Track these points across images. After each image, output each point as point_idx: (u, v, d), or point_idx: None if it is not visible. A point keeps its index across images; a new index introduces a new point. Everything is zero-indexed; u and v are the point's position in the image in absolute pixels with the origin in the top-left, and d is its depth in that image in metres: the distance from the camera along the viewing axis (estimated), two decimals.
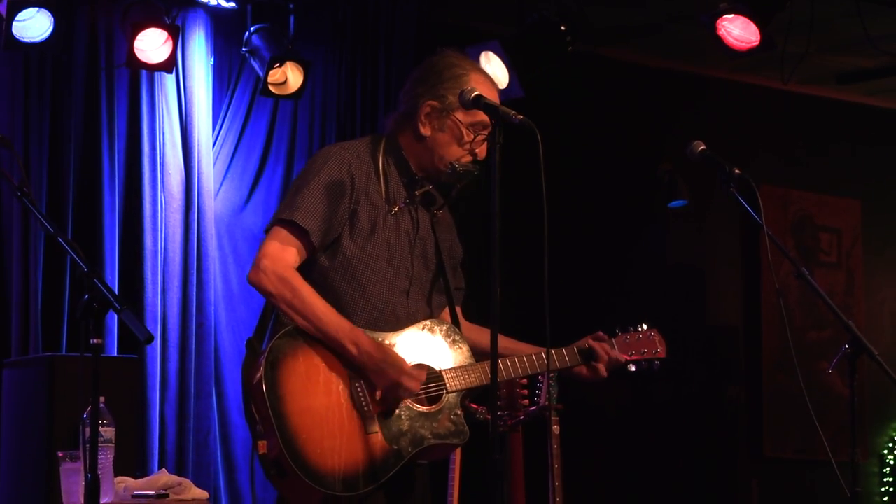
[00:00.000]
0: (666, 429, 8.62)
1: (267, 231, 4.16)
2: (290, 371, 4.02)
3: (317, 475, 3.96)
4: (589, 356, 4.45)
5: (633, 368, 4.56)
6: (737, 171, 4.34)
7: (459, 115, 4.20)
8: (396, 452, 4.07)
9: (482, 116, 4.16)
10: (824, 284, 8.36)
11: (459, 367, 4.20)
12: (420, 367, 4.16)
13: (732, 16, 6.68)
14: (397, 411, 4.10)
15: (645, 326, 4.60)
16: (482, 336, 4.31)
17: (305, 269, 4.14)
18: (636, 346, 4.56)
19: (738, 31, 6.72)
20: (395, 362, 4.07)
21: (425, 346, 4.19)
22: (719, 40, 6.75)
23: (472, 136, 4.22)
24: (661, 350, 4.60)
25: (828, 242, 9.47)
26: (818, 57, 8.09)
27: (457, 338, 4.25)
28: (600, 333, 4.51)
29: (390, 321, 4.18)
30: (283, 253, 4.09)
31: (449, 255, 4.35)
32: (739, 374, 9.15)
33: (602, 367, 4.46)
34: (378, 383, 4.05)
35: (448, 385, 4.17)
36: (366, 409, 4.06)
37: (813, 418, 4.38)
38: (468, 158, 4.24)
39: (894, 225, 9.72)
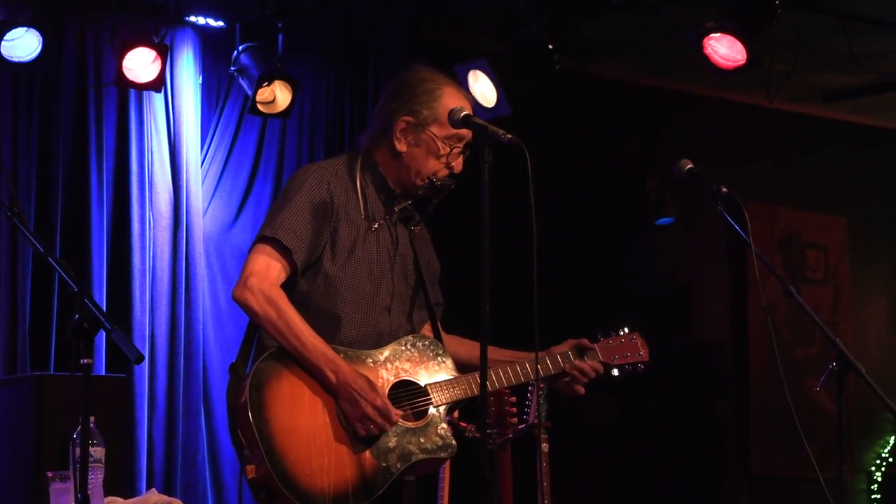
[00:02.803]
0: (654, 445, 8.62)
1: (250, 249, 4.18)
2: (274, 393, 4.03)
3: (306, 496, 3.96)
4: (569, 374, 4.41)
5: (616, 373, 4.51)
6: (724, 189, 4.35)
7: (434, 129, 4.22)
8: (385, 469, 4.07)
9: (458, 129, 4.18)
10: (811, 301, 8.37)
11: (444, 381, 4.21)
12: (404, 383, 4.17)
13: (719, 34, 6.70)
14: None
15: (626, 330, 4.54)
16: (462, 347, 4.33)
17: (286, 290, 4.15)
18: (619, 351, 4.51)
19: (724, 49, 6.74)
20: (371, 397, 4.05)
21: (409, 362, 4.20)
22: (706, 59, 6.77)
23: (448, 150, 4.24)
24: (643, 353, 4.54)
25: (814, 259, 9.49)
26: (804, 75, 8.12)
27: (440, 352, 4.26)
28: (584, 341, 4.47)
29: (373, 338, 4.19)
30: (269, 270, 4.11)
31: (427, 270, 4.37)
32: (727, 390, 9.17)
33: (580, 388, 4.43)
34: (349, 414, 4.05)
35: (434, 399, 4.18)
36: (352, 427, 4.06)
37: (801, 435, 4.38)
38: (445, 172, 4.25)
39: (880, 242, 9.75)
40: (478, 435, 3.91)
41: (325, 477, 3.99)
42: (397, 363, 4.18)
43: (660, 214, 8.53)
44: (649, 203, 8.53)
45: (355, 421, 4.04)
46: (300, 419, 4.02)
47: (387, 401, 4.09)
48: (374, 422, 4.04)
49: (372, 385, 4.08)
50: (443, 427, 4.17)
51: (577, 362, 4.40)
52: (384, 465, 4.07)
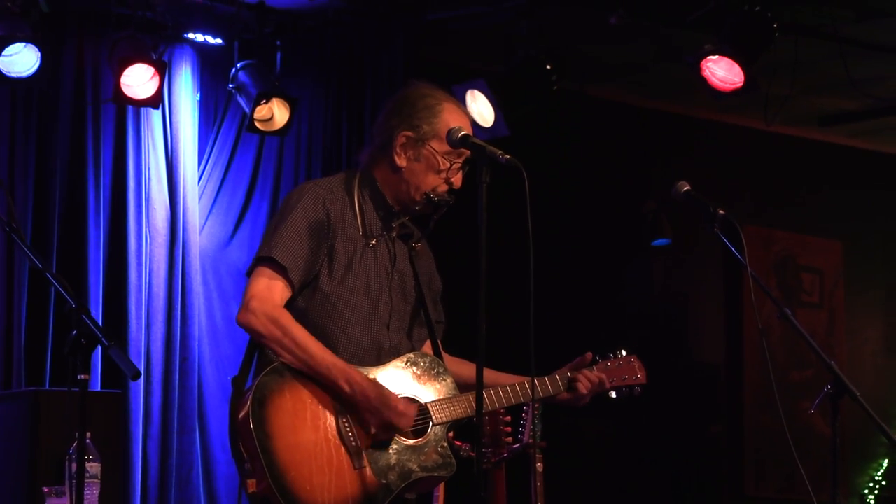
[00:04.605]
0: (648, 466, 8.62)
1: (249, 273, 4.18)
2: (277, 407, 4.03)
3: None
4: (572, 384, 4.44)
5: (613, 395, 4.54)
6: (721, 211, 4.37)
7: (434, 145, 4.23)
8: (385, 487, 4.08)
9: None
10: (806, 325, 8.37)
11: (444, 400, 4.22)
12: (406, 400, 4.17)
13: (717, 57, 6.72)
14: (385, 445, 4.11)
15: (624, 353, 4.58)
16: (463, 368, 4.34)
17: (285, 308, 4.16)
18: (616, 373, 4.53)
19: (722, 72, 6.76)
20: (388, 401, 4.08)
21: (410, 380, 4.20)
22: (704, 81, 6.79)
23: (448, 165, 4.25)
24: (641, 376, 4.57)
25: (810, 283, 9.50)
26: (801, 99, 8.14)
27: (441, 370, 4.26)
28: (581, 358, 4.49)
29: (373, 355, 4.19)
30: (270, 292, 4.12)
31: (428, 287, 4.37)
32: (721, 412, 9.17)
33: (585, 392, 4.44)
34: (371, 421, 4.08)
35: (434, 417, 4.18)
36: (353, 444, 4.07)
37: (795, 458, 4.39)
38: (444, 188, 4.26)
39: (876, 266, 9.76)
40: (473, 454, 3.92)
41: (326, 494, 3.99)
42: (398, 380, 4.18)
43: (656, 236, 8.55)
44: (646, 224, 8.55)
45: (376, 427, 4.06)
46: (302, 435, 4.03)
47: (399, 400, 4.10)
48: (397, 426, 4.06)
49: (382, 388, 4.08)
50: (443, 445, 4.17)
51: (584, 373, 4.42)
52: (384, 482, 4.08)
